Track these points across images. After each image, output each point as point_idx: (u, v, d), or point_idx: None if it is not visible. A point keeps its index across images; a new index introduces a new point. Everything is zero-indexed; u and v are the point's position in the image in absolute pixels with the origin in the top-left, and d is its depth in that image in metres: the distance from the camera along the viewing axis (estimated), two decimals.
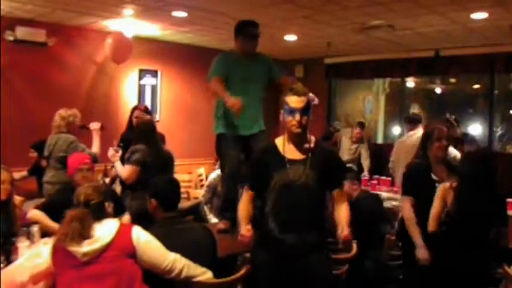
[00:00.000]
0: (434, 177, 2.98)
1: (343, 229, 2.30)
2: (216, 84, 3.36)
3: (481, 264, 2.77)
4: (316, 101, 3.49)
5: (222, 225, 3.41)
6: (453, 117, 5.52)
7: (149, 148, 3.52)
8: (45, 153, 4.20)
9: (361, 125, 6.89)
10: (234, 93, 3.42)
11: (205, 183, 4.56)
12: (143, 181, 3.37)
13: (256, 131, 3.50)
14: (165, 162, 3.64)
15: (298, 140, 2.40)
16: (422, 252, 2.84)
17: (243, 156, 3.44)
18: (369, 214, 3.59)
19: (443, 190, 2.81)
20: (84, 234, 2.07)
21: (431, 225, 2.81)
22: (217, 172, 4.42)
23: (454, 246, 2.76)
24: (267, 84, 3.57)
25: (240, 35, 3.47)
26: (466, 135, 5.71)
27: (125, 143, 4.34)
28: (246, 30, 3.45)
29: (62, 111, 4.25)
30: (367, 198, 3.91)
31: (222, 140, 3.53)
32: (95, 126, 4.22)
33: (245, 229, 2.31)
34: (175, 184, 2.64)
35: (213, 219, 4.25)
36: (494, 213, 2.80)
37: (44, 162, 4.91)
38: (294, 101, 2.32)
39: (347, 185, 3.90)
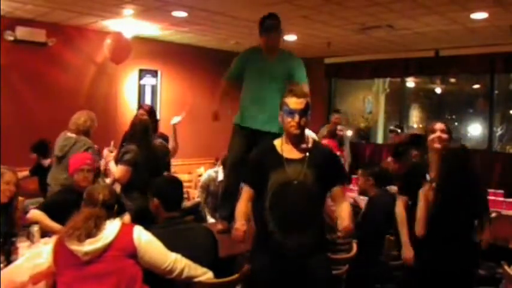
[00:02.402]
0: (429, 177, 2.97)
1: (344, 220, 2.32)
2: (221, 88, 3.60)
3: (464, 264, 2.74)
4: None
5: (220, 226, 3.41)
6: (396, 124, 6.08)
7: (140, 148, 3.49)
8: (58, 153, 4.06)
9: (338, 111, 6.91)
10: (249, 90, 3.47)
11: (199, 184, 4.57)
12: (135, 181, 3.37)
13: (268, 130, 3.36)
14: (158, 161, 3.62)
15: (296, 141, 2.41)
16: (405, 252, 2.90)
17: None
18: (382, 214, 3.57)
19: (424, 191, 2.79)
20: (91, 234, 2.08)
21: (417, 229, 2.78)
22: (208, 172, 4.43)
23: (437, 247, 2.74)
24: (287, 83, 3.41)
25: (260, 30, 3.42)
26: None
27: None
28: (264, 23, 3.40)
29: (87, 112, 4.19)
30: (383, 197, 3.79)
31: (233, 131, 3.53)
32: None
33: (240, 223, 2.29)
34: (178, 184, 2.62)
35: (210, 219, 4.25)
36: (476, 212, 2.79)
37: (46, 162, 4.90)
38: (293, 102, 2.34)
39: (362, 180, 3.89)
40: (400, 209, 3.02)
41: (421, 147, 5.49)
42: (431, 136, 2.93)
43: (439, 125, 2.96)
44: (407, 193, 3.03)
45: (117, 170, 3.45)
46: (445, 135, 2.92)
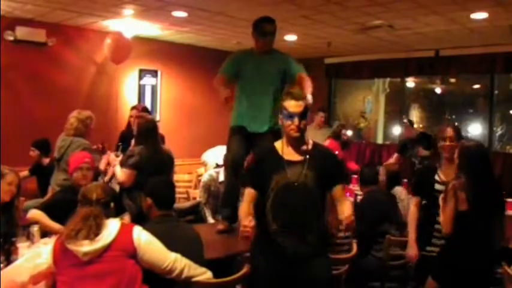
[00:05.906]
0: (438, 178, 3.02)
1: (346, 213, 2.34)
2: (218, 80, 3.51)
3: (490, 263, 2.79)
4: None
5: (221, 226, 3.41)
6: (408, 119, 6.22)
7: (147, 149, 3.49)
8: (56, 155, 4.04)
9: (323, 110, 6.91)
10: (244, 91, 3.50)
11: (200, 184, 4.55)
12: (139, 183, 3.36)
13: (266, 129, 3.43)
14: (163, 164, 3.62)
15: (296, 143, 2.43)
16: (410, 250, 3.02)
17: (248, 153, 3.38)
18: (371, 211, 3.59)
19: (451, 190, 2.73)
20: (93, 233, 2.08)
21: (447, 228, 2.74)
22: (209, 172, 4.41)
23: (469, 247, 2.72)
24: (284, 82, 3.50)
25: (255, 32, 3.47)
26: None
27: (124, 142, 4.32)
28: (260, 26, 3.45)
29: (77, 113, 4.09)
30: (374, 196, 3.80)
31: (230, 133, 3.55)
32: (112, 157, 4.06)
33: (247, 220, 2.21)
34: (170, 184, 2.72)
35: (211, 220, 4.25)
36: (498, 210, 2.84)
37: (46, 161, 4.89)
38: (292, 105, 2.35)
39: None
40: (411, 209, 3.11)
41: (429, 148, 5.52)
42: (441, 144, 3.02)
43: (445, 132, 3.00)
44: (418, 194, 3.13)
45: (121, 174, 3.46)
46: (453, 143, 2.97)
